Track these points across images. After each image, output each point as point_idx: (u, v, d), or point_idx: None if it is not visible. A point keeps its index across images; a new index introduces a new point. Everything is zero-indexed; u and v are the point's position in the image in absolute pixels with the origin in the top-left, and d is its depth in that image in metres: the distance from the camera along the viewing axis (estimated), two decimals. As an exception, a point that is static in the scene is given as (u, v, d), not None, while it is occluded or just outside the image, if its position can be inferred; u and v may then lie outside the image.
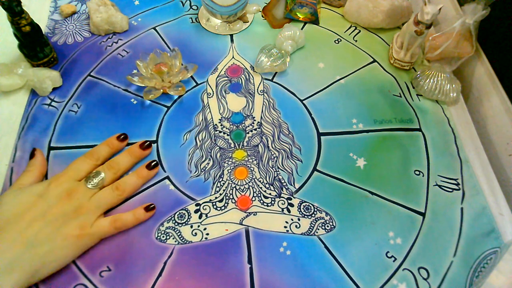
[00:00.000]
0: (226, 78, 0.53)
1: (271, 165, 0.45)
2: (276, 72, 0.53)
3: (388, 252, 0.40)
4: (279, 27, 0.59)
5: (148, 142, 0.45)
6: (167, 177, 0.44)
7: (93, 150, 0.43)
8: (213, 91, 0.52)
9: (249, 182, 0.44)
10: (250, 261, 0.39)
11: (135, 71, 0.52)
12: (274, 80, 0.53)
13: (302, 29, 0.59)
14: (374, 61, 0.55)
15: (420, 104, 0.51)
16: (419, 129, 0.49)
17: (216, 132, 0.48)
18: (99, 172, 0.41)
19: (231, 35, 0.58)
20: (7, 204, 0.36)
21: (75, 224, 0.37)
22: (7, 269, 0.33)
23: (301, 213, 0.42)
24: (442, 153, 0.47)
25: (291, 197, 0.43)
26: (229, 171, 0.45)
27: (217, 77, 0.53)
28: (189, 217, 0.42)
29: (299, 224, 0.42)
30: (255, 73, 0.53)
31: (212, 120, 0.49)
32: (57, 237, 0.35)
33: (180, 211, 0.42)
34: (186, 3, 0.62)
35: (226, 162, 0.46)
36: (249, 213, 0.42)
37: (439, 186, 0.45)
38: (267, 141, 0.47)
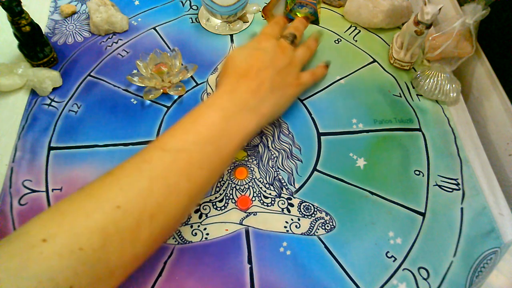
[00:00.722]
0: (226, 78, 0.53)
1: (271, 165, 0.45)
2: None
3: (388, 252, 0.40)
4: (279, 27, 0.59)
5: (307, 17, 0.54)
6: (167, 177, 0.44)
7: (277, 19, 0.51)
8: (213, 91, 0.52)
9: (249, 182, 0.44)
10: (250, 261, 0.39)
11: (135, 71, 0.52)
12: (274, 80, 0.53)
13: (302, 29, 0.58)
14: (374, 61, 0.55)
15: (420, 104, 0.51)
16: (419, 129, 0.49)
17: (216, 132, 0.48)
18: (292, 32, 0.47)
19: (231, 35, 0.58)
20: (237, 58, 0.42)
21: (293, 74, 0.44)
22: (256, 108, 0.39)
23: (301, 213, 0.42)
24: (442, 153, 0.47)
25: (291, 197, 0.43)
26: (229, 171, 0.45)
27: (217, 77, 0.53)
28: (189, 217, 0.42)
29: (299, 224, 0.42)
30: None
31: (212, 120, 0.49)
32: (283, 85, 0.42)
33: (180, 211, 0.42)
34: (186, 3, 0.62)
35: (226, 162, 0.46)
36: (249, 213, 0.42)
37: (439, 186, 0.45)
38: (267, 141, 0.47)
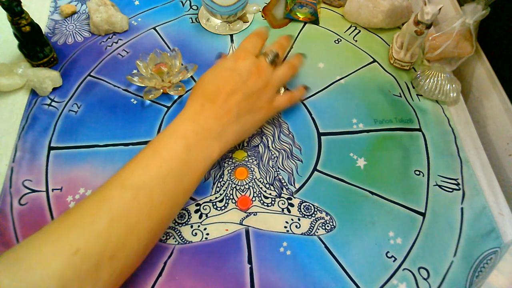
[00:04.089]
0: (226, 78, 0.53)
1: (271, 165, 0.45)
2: (276, 72, 0.54)
3: (388, 252, 0.40)
4: (279, 27, 0.59)
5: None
6: (167, 177, 0.44)
7: (259, 31, 0.47)
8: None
9: (249, 182, 0.44)
10: (250, 261, 0.39)
11: (135, 71, 0.52)
12: (274, 80, 0.53)
13: (302, 29, 0.58)
14: (374, 61, 0.55)
15: (420, 104, 0.51)
16: (419, 129, 0.49)
17: (216, 132, 0.48)
18: (274, 51, 0.44)
19: (231, 35, 0.58)
20: (208, 79, 0.41)
21: (265, 98, 0.42)
22: (219, 135, 0.38)
23: (301, 213, 0.42)
24: (442, 153, 0.47)
25: (291, 197, 0.43)
26: (229, 171, 0.45)
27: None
28: (189, 217, 0.42)
29: (299, 224, 0.42)
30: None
31: (212, 120, 0.49)
32: (252, 110, 0.41)
33: (180, 211, 0.42)
34: (186, 3, 0.62)
35: (226, 162, 0.46)
36: (249, 213, 0.42)
37: (439, 186, 0.45)
38: (267, 141, 0.47)
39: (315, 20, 0.59)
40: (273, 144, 0.47)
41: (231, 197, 0.43)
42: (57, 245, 0.29)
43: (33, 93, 0.51)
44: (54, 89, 0.51)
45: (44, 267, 0.28)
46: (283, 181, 0.44)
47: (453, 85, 0.51)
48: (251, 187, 0.44)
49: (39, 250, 0.29)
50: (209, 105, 0.38)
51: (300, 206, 0.43)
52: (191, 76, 0.53)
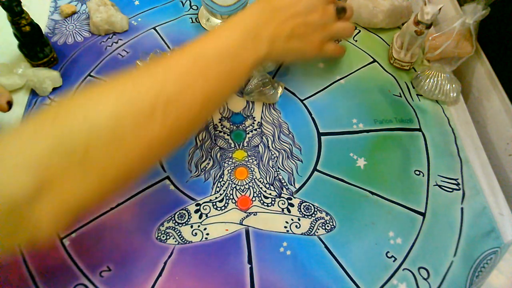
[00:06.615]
0: (226, 78, 0.53)
1: (271, 165, 0.45)
2: (276, 72, 0.53)
3: (388, 252, 0.40)
4: (279, 27, 0.58)
5: None
6: (167, 177, 0.44)
7: None
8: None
9: (249, 182, 0.44)
10: (250, 261, 0.39)
11: (135, 71, 0.52)
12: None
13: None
14: (374, 61, 0.55)
15: (420, 104, 0.51)
16: (419, 129, 0.49)
17: (216, 132, 0.48)
18: (343, 6, 0.45)
19: (231, 35, 0.58)
20: None
21: (317, 36, 0.43)
22: (269, 42, 0.39)
23: (301, 213, 0.42)
24: (442, 153, 0.47)
25: (291, 197, 0.43)
26: (229, 171, 0.45)
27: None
28: (189, 217, 0.42)
29: (299, 224, 0.42)
30: (255, 72, 0.53)
31: (212, 119, 0.49)
32: (304, 39, 0.42)
33: (180, 211, 0.42)
34: (186, 3, 0.62)
35: (226, 162, 0.46)
36: (249, 213, 0.42)
37: (439, 186, 0.45)
38: (267, 141, 0.47)
39: (315, 20, 0.59)
40: (273, 144, 0.47)
41: (231, 197, 0.43)
42: (115, 83, 0.32)
43: (33, 93, 0.51)
44: (54, 89, 0.51)
45: (99, 103, 0.30)
46: (283, 181, 0.44)
47: (453, 85, 0.51)
48: (251, 187, 0.44)
49: (96, 89, 0.32)
50: (270, 14, 0.40)
51: (300, 206, 0.43)
52: (191, 76, 0.53)
